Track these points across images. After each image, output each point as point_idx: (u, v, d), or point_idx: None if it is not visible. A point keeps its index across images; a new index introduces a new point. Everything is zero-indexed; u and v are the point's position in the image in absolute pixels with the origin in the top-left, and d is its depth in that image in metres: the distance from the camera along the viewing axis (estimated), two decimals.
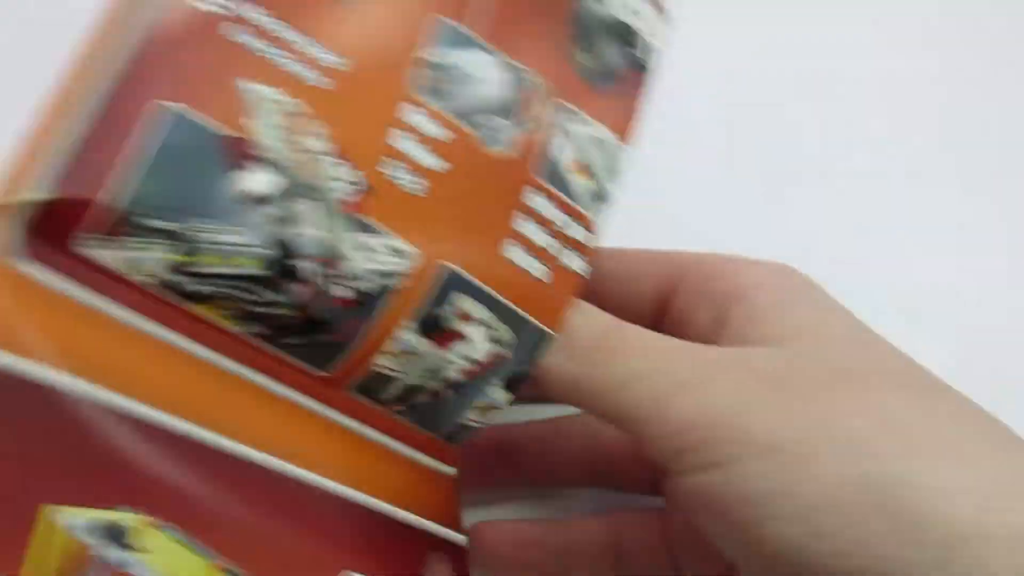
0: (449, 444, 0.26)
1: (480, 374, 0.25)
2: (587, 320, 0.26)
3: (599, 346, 0.25)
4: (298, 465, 0.23)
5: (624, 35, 0.29)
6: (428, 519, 0.26)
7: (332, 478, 0.24)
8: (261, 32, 0.23)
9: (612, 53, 0.29)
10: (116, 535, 0.20)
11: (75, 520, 0.20)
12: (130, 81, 0.21)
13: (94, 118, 0.20)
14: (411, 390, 0.25)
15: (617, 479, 0.32)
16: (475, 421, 0.26)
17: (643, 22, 0.30)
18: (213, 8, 0.22)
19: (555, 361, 0.25)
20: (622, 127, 0.29)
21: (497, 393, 0.26)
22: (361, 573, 0.23)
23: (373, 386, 0.25)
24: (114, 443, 0.20)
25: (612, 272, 0.30)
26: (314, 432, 0.24)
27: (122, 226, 0.20)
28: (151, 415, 0.21)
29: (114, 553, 0.20)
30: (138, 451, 0.21)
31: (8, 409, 0.19)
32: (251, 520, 0.22)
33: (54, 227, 0.20)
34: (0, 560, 0.18)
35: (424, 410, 0.25)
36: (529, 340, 0.25)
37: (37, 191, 0.20)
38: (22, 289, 0.20)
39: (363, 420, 0.25)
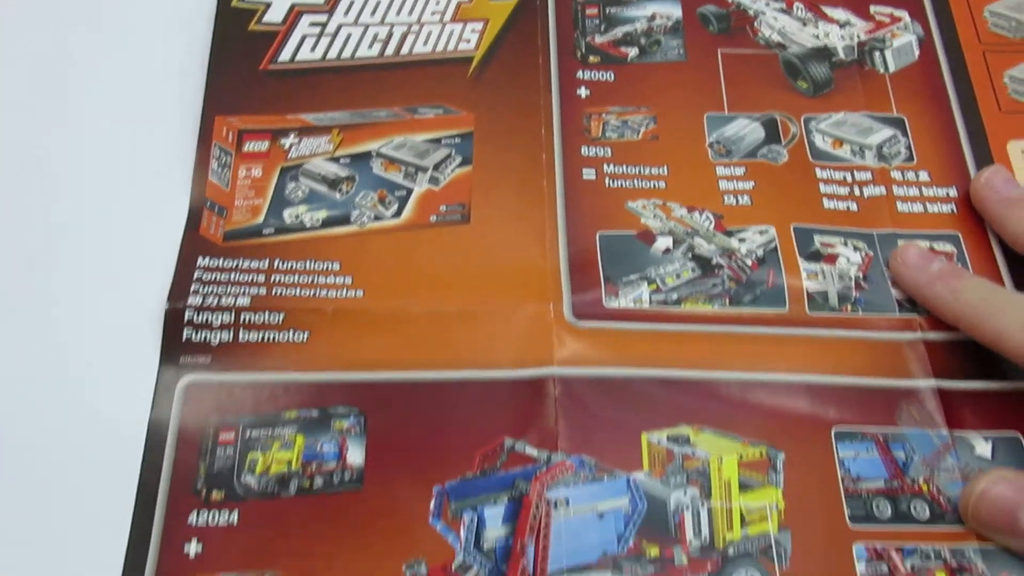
0: (903, 316, 0.38)
1: (869, 268, 0.39)
2: None
3: None
4: (779, 372, 0.37)
5: (822, 54, 0.44)
6: (887, 376, 0.37)
7: (805, 372, 0.37)
8: (619, 176, 0.42)
9: (822, 70, 0.44)
10: (681, 439, 0.36)
11: (658, 436, 0.36)
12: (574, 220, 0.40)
13: (569, 248, 0.40)
14: (840, 296, 0.39)
15: None
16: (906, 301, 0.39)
17: (831, 37, 0.45)
18: (592, 176, 0.42)
19: None
20: (856, 104, 0.43)
21: None
22: (847, 423, 0.36)
23: (818, 303, 0.39)
24: (662, 395, 0.37)
25: None
26: (790, 347, 0.38)
27: (616, 285, 0.39)
28: (677, 374, 0.37)
29: (679, 448, 0.36)
30: (675, 397, 0.37)
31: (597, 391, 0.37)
32: (752, 414, 0.37)
33: (590, 300, 0.39)
34: (633, 463, 0.35)
35: (867, 302, 0.39)
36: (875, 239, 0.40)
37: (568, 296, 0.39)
38: (587, 335, 0.38)
39: (828, 326, 0.38)
